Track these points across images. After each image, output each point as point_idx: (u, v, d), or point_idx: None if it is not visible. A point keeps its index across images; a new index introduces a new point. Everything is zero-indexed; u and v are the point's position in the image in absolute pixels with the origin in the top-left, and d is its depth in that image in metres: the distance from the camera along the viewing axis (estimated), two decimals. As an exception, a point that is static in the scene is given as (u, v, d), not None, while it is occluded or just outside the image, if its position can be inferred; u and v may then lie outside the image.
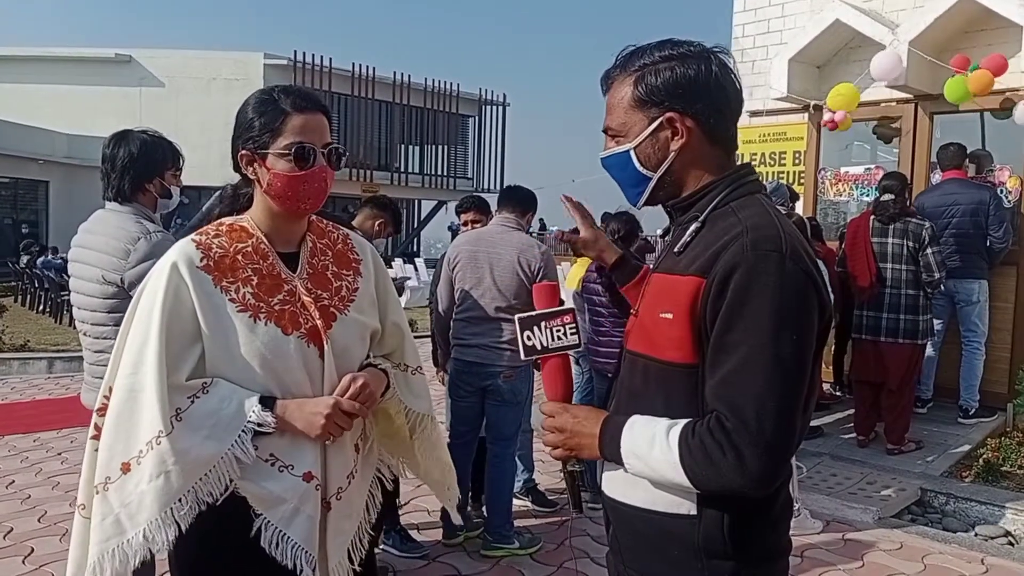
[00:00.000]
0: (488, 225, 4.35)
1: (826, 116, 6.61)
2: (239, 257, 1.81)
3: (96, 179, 2.91)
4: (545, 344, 1.62)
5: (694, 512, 1.48)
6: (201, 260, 1.77)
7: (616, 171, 1.61)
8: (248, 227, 1.87)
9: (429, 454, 2.17)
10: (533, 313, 1.64)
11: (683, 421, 1.44)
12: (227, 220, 1.90)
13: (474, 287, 4.09)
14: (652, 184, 1.57)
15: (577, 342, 1.63)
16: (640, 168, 1.56)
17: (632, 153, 1.56)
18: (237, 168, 1.88)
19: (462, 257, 4.16)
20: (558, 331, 1.62)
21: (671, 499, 1.50)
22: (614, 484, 1.61)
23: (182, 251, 1.78)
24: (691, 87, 1.51)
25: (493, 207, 4.57)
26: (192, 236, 1.83)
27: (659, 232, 1.71)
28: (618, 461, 1.50)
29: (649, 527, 1.54)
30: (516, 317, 1.65)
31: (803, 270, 1.40)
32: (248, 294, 1.78)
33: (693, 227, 1.52)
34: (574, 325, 1.63)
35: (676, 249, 1.53)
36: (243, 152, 1.84)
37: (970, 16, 6.07)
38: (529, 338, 1.61)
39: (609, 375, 3.59)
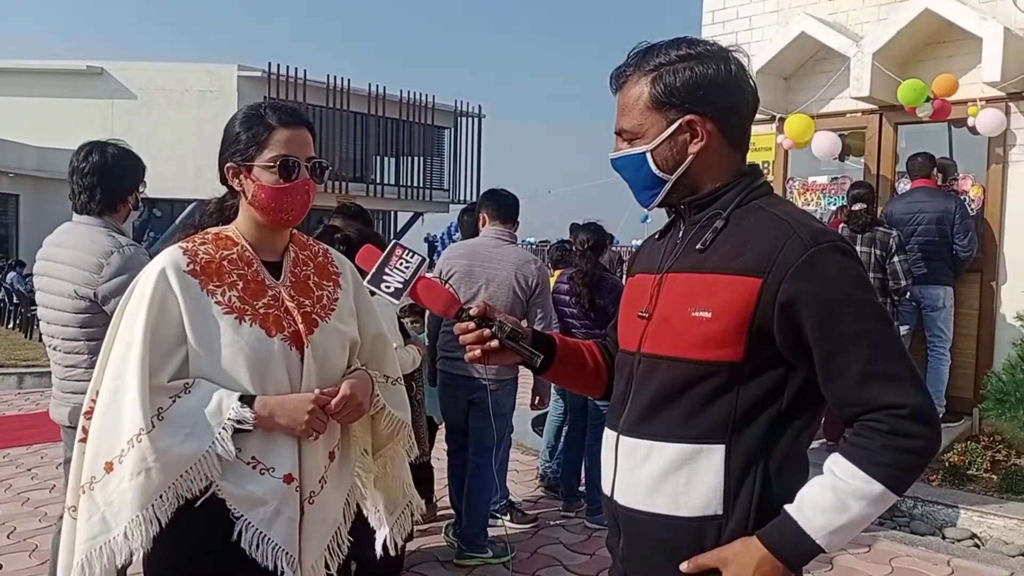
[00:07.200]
0: (480, 238, 4.30)
1: (779, 138, 6.81)
2: (225, 263, 1.86)
3: (67, 192, 2.84)
4: (403, 279, 1.67)
5: (720, 512, 1.44)
6: (188, 265, 1.83)
7: (629, 173, 1.56)
8: (233, 236, 1.92)
9: (390, 471, 2.19)
10: (372, 271, 1.68)
11: (837, 463, 1.43)
12: (212, 229, 1.95)
13: (467, 302, 4.05)
14: (668, 187, 1.53)
15: (423, 256, 1.70)
16: (656, 171, 1.52)
17: (648, 155, 1.51)
18: (224, 180, 1.93)
19: (457, 271, 4.13)
20: (401, 264, 1.68)
21: (697, 502, 1.44)
22: (629, 492, 1.53)
23: (170, 257, 1.83)
24: (711, 88, 1.48)
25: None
26: (179, 244, 1.88)
27: (656, 234, 1.68)
28: (814, 552, 1.39)
29: (670, 533, 1.47)
30: (365, 283, 1.71)
31: (856, 258, 1.45)
32: (234, 297, 1.83)
33: (717, 224, 1.48)
34: (408, 251, 1.69)
35: (698, 247, 1.48)
36: (229, 165, 1.89)
37: (932, 28, 6.20)
38: (388, 287, 1.66)
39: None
